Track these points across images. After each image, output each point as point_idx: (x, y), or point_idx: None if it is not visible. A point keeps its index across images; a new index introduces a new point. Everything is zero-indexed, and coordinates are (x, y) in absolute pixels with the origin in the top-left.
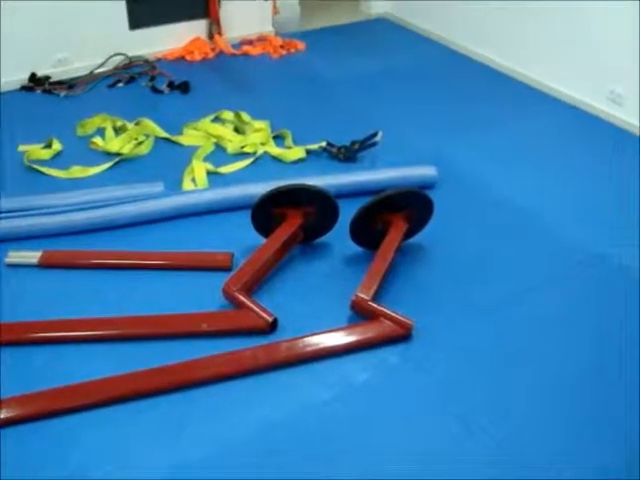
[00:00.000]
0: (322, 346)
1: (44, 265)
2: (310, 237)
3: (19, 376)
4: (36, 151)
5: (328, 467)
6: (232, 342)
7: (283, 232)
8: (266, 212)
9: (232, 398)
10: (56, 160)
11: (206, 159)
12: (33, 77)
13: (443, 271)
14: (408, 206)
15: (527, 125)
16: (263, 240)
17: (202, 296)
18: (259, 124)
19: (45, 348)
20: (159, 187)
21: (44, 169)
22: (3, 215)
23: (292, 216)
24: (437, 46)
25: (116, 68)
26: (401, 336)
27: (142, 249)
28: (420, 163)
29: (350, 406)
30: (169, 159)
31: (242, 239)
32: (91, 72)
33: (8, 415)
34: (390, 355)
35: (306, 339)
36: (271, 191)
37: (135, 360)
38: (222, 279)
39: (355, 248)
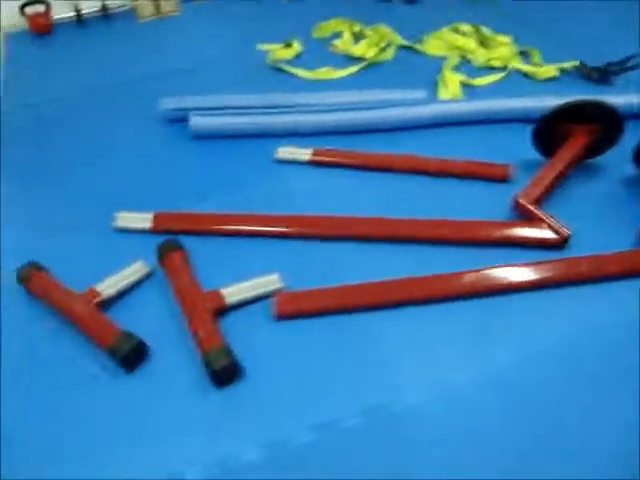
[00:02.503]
0: (619, 265)
1: (313, 163)
2: (587, 156)
3: (314, 269)
4: (279, 50)
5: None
6: (516, 254)
7: (571, 149)
8: (550, 127)
9: (533, 309)
10: (297, 61)
11: (453, 70)
12: None
13: None
14: None
15: None
16: (534, 155)
17: (477, 205)
18: (502, 38)
19: (337, 245)
20: (421, 94)
21: (290, 69)
22: (264, 111)
23: (579, 133)
24: None
25: None
26: None
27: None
28: None
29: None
30: (413, 67)
31: (506, 152)
32: None
33: (316, 306)
34: None
35: (602, 257)
36: (564, 104)
37: (429, 263)
38: (498, 190)
39: (628, 171)
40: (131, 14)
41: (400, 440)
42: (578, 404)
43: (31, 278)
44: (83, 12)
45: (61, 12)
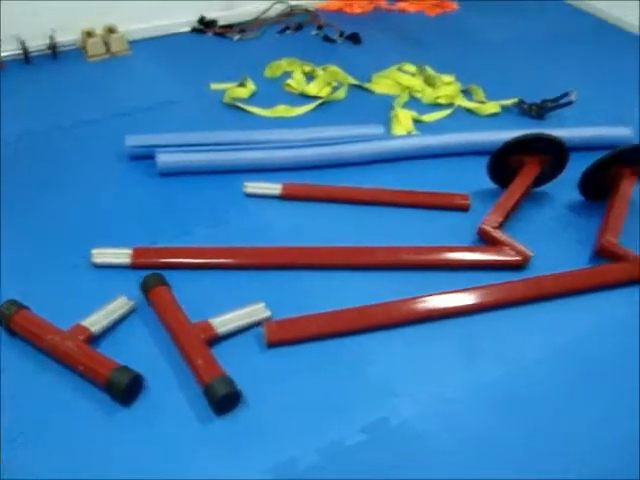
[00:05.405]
0: (579, 281)
1: (284, 197)
2: (535, 185)
3: (293, 297)
4: (235, 89)
5: (608, 387)
6: (484, 276)
7: (526, 178)
8: (504, 158)
9: (510, 325)
10: (252, 100)
11: (404, 107)
12: (202, 20)
13: None
14: (636, 160)
15: None
16: (486, 184)
17: (442, 233)
18: (447, 78)
19: (314, 273)
20: (379, 129)
21: (247, 107)
22: (229, 147)
23: (531, 164)
24: (591, 18)
25: (280, 16)
26: None
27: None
28: (606, 124)
29: (615, 335)
30: (364, 105)
31: (461, 183)
32: (256, 18)
33: (306, 332)
34: (637, 294)
35: (564, 275)
36: (518, 137)
37: (402, 287)
38: (459, 218)
39: (571, 197)
40: (80, 53)
41: (400, 453)
42: (568, 409)
43: (12, 317)
44: (30, 50)
45: (6, 49)
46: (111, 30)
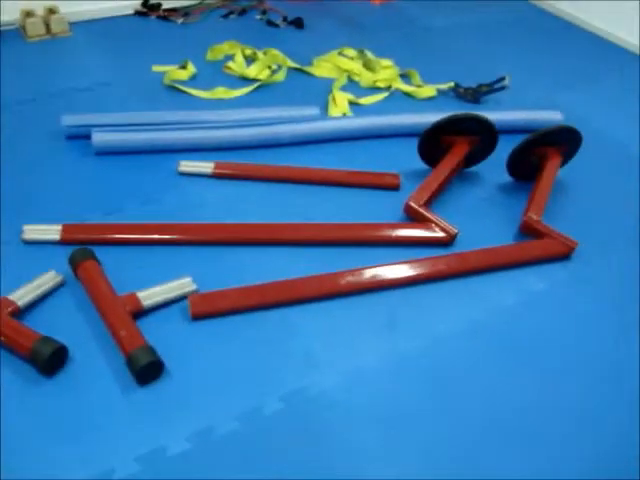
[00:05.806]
0: (501, 258)
1: (216, 175)
2: (466, 165)
3: (223, 273)
4: (175, 72)
5: (527, 357)
6: (412, 252)
7: (454, 157)
8: (434, 138)
9: (432, 299)
10: (192, 82)
11: (342, 90)
12: (146, 3)
13: (585, 203)
14: (562, 141)
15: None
16: (419, 164)
17: (373, 211)
18: (385, 62)
19: (243, 249)
20: (314, 110)
21: (187, 89)
22: (165, 127)
23: (460, 144)
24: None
25: (224, 0)
26: (564, 255)
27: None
28: (540, 108)
29: (533, 310)
30: (304, 88)
31: (395, 163)
32: (201, 2)
33: (230, 304)
34: (557, 270)
35: (486, 251)
36: (446, 118)
37: (333, 262)
38: (390, 197)
39: (503, 178)
40: (20, 33)
41: (316, 420)
42: (480, 381)
43: None
44: None
45: None
46: (52, 11)
